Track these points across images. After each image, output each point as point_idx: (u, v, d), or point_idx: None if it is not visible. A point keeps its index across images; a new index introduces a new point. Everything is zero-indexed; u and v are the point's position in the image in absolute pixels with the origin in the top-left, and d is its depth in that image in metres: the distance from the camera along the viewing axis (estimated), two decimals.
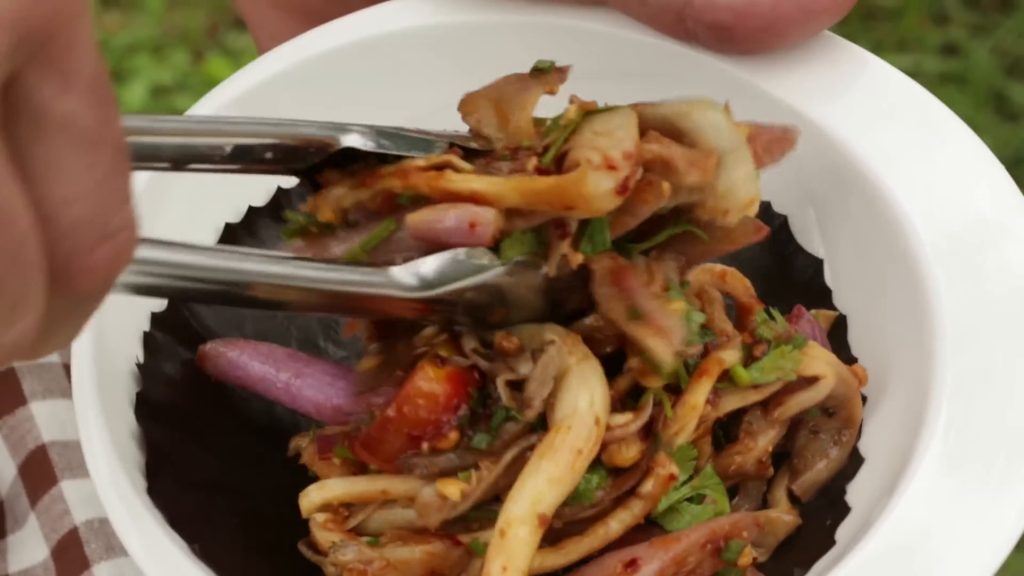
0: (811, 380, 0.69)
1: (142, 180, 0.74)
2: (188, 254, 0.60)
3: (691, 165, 0.65)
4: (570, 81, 0.69)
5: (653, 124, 0.66)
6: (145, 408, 0.71)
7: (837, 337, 0.74)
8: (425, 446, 0.65)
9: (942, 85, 1.56)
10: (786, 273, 0.75)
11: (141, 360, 0.72)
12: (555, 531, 0.66)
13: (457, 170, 0.65)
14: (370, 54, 0.78)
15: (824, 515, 0.69)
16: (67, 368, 0.80)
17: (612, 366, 0.67)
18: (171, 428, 0.71)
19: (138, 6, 1.93)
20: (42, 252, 0.45)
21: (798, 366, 0.68)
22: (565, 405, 0.65)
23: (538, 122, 0.68)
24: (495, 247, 0.64)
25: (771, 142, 0.68)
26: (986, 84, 1.59)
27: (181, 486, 0.69)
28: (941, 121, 0.74)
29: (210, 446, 0.72)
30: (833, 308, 0.75)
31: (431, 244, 0.64)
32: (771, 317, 0.70)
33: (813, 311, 0.74)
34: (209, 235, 0.77)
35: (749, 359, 0.68)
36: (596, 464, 0.66)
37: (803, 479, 0.71)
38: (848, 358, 0.73)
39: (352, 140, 0.67)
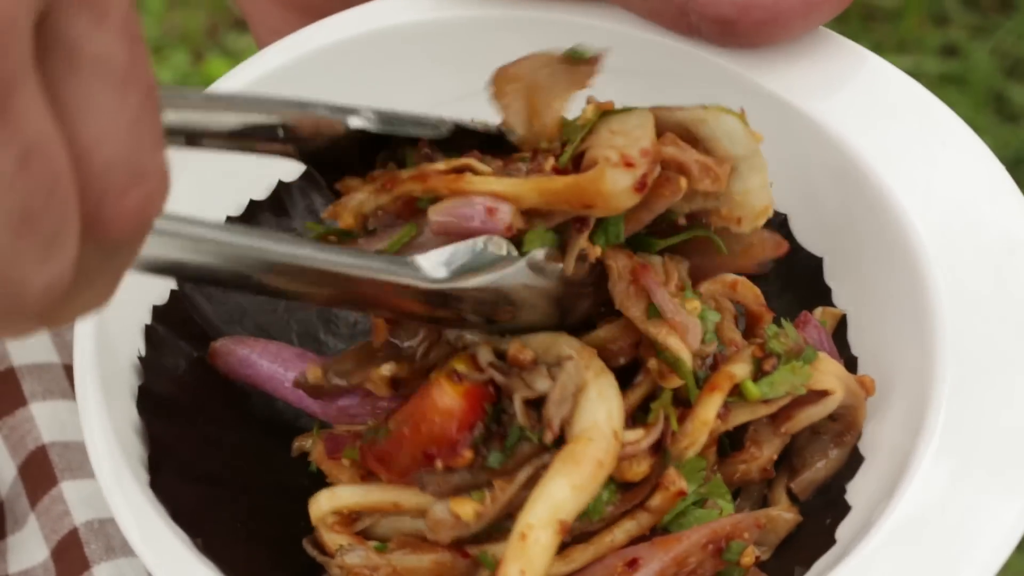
0: (820, 394, 0.69)
1: None
2: (211, 230, 0.58)
3: (705, 171, 0.65)
4: None
5: (669, 127, 0.66)
6: (147, 402, 0.71)
7: (837, 336, 0.74)
8: (439, 464, 0.65)
9: (942, 86, 1.57)
10: (786, 271, 0.75)
11: (143, 354, 0.72)
12: (562, 543, 0.66)
13: (476, 172, 0.65)
14: (370, 49, 0.78)
15: (824, 514, 0.69)
16: (67, 369, 0.79)
17: (621, 381, 0.67)
18: (173, 422, 0.71)
19: (138, 6, 1.93)
20: (76, 190, 0.45)
21: (808, 381, 0.68)
22: (584, 419, 0.65)
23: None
24: (516, 243, 0.65)
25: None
26: (986, 85, 1.59)
27: (183, 480, 0.69)
28: (941, 120, 0.74)
29: (212, 440, 0.72)
30: (833, 306, 0.75)
31: (451, 236, 0.65)
32: (781, 327, 0.70)
33: (819, 309, 0.74)
34: None
35: (759, 373, 0.69)
36: (607, 479, 0.66)
37: (802, 478, 0.71)
38: (848, 357, 0.73)
39: (358, 122, 0.67)
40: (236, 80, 0.77)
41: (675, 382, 0.66)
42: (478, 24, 0.78)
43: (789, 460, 0.71)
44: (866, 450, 0.70)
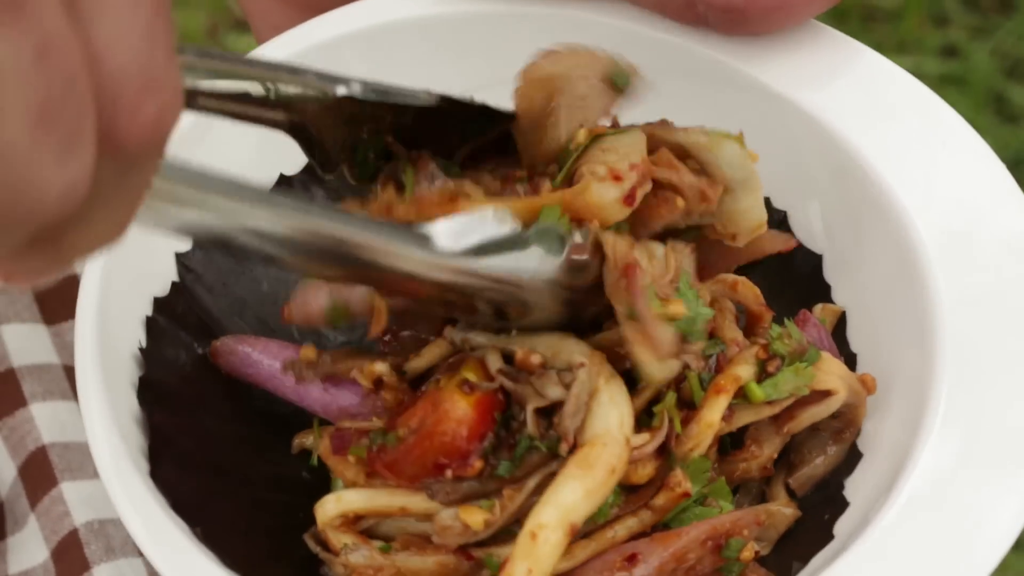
0: (823, 394, 0.69)
1: None
2: (214, 184, 0.57)
3: (700, 197, 0.67)
4: None
5: (669, 147, 0.67)
6: (147, 392, 0.71)
7: (837, 333, 0.74)
8: (449, 473, 0.66)
9: (942, 87, 1.57)
10: (786, 268, 0.75)
11: (144, 345, 0.72)
12: None
13: (470, 197, 0.66)
14: (370, 44, 0.78)
15: (823, 510, 0.69)
16: (67, 369, 0.79)
17: (627, 384, 0.67)
18: (173, 412, 0.71)
19: None
20: (92, 92, 0.45)
21: (811, 381, 0.68)
22: (597, 424, 0.65)
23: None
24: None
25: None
26: (986, 86, 1.59)
27: (183, 470, 0.69)
28: (942, 118, 0.74)
29: (212, 431, 0.73)
30: (832, 303, 0.75)
31: None
32: (782, 326, 0.70)
33: (819, 306, 0.75)
34: None
35: (763, 374, 0.69)
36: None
37: (800, 474, 0.71)
38: (847, 354, 0.73)
39: (345, 90, 0.67)
40: None
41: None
42: (480, 19, 0.78)
43: (787, 456, 0.71)
44: (865, 446, 0.71)
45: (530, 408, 0.65)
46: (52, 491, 0.74)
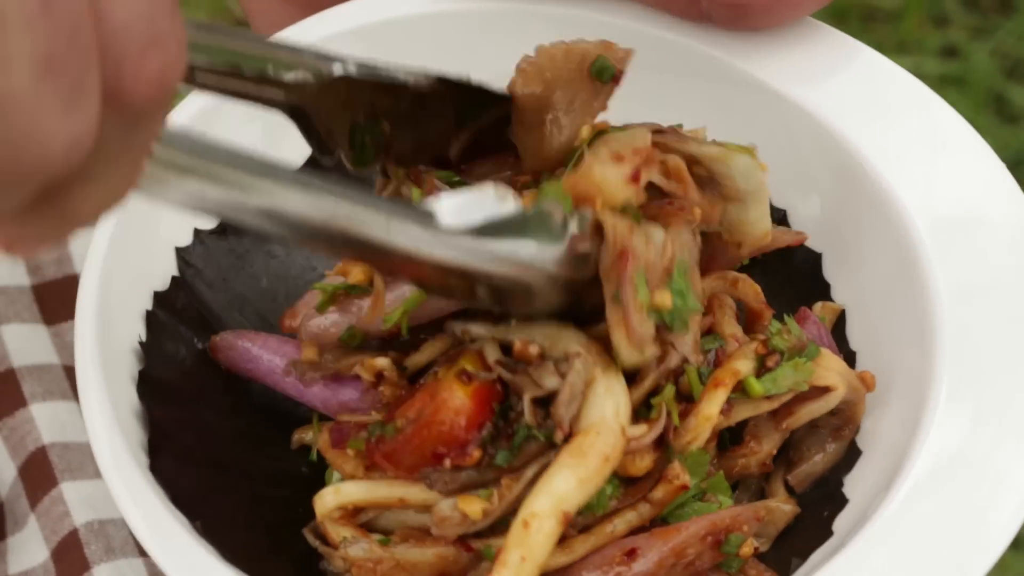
0: (822, 390, 0.69)
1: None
2: (216, 153, 0.56)
3: (704, 212, 0.68)
4: None
5: (683, 158, 0.68)
6: (147, 386, 0.71)
7: (836, 331, 0.74)
8: (447, 463, 0.66)
9: (942, 87, 1.57)
10: (786, 267, 0.75)
11: (143, 339, 0.72)
12: (563, 534, 0.66)
13: None
14: (369, 41, 0.78)
15: (822, 506, 0.69)
16: (67, 370, 0.79)
17: (626, 376, 0.67)
18: (173, 406, 0.71)
19: None
20: (97, 41, 0.45)
21: (810, 377, 0.69)
22: (592, 413, 0.65)
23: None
24: None
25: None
26: (986, 86, 1.59)
27: (182, 464, 0.69)
28: (941, 116, 0.74)
29: (211, 426, 0.73)
30: (832, 301, 0.75)
31: None
32: (783, 323, 0.70)
33: (818, 304, 0.75)
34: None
35: (762, 369, 0.69)
36: (610, 474, 0.66)
37: (799, 471, 0.71)
38: (847, 352, 0.73)
39: (340, 69, 0.67)
40: None
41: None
42: (479, 16, 0.78)
43: (786, 453, 0.71)
44: (864, 444, 0.71)
45: (527, 398, 0.65)
46: (52, 491, 0.74)
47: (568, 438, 0.65)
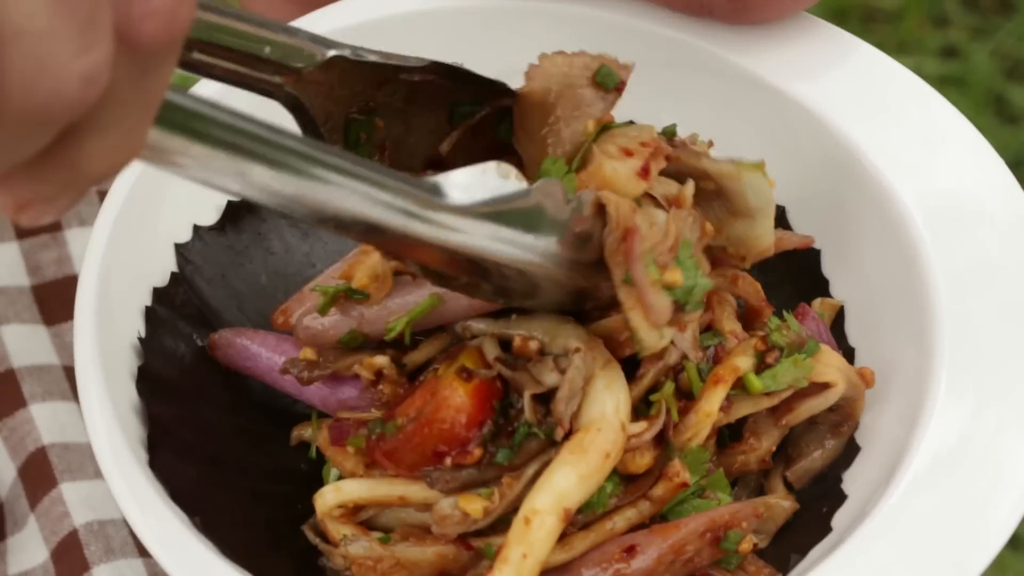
0: (822, 386, 0.69)
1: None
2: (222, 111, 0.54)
3: (711, 232, 0.68)
4: None
5: (695, 174, 0.68)
6: (146, 382, 0.71)
7: (835, 327, 0.74)
8: (448, 461, 0.66)
9: (942, 87, 1.56)
10: (785, 263, 0.75)
11: (143, 335, 0.72)
12: (563, 531, 0.66)
13: None
14: (369, 38, 0.77)
15: (821, 503, 0.70)
16: (67, 370, 0.79)
17: (626, 372, 0.67)
18: (172, 402, 0.71)
19: None
20: None
21: (810, 373, 0.69)
22: (592, 410, 0.65)
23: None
24: None
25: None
26: (986, 87, 1.59)
27: (182, 460, 0.69)
28: (937, 111, 0.74)
29: (210, 422, 0.73)
30: (831, 297, 0.75)
31: None
32: (782, 319, 0.70)
33: (817, 300, 0.75)
34: (211, 214, 0.77)
35: (762, 365, 0.69)
36: (611, 472, 0.66)
37: (797, 467, 0.71)
38: (846, 348, 0.73)
39: (335, 52, 0.67)
40: None
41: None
42: (479, 14, 0.78)
43: (785, 449, 0.71)
44: (863, 440, 0.71)
45: (527, 395, 0.65)
46: (52, 492, 0.74)
47: (568, 435, 0.65)
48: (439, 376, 0.67)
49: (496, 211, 0.60)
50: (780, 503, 0.69)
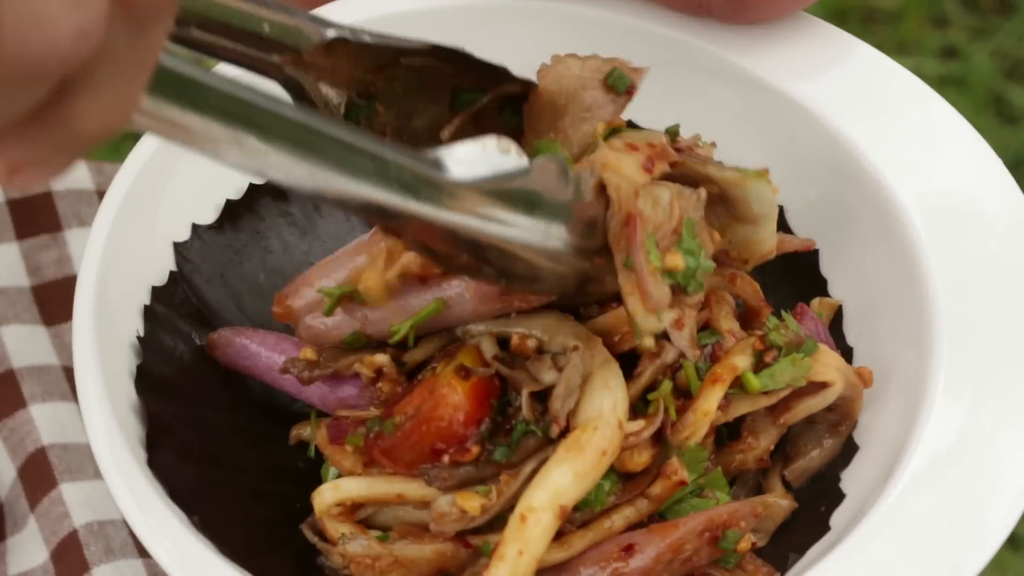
0: (820, 386, 0.69)
1: (147, 158, 0.75)
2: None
3: (717, 241, 0.69)
4: None
5: (700, 180, 0.68)
6: (145, 381, 0.71)
7: (833, 326, 0.74)
8: (446, 459, 0.66)
9: (942, 88, 1.57)
10: (783, 262, 0.75)
11: (141, 334, 0.73)
12: (560, 530, 0.66)
13: None
14: None
15: (819, 502, 0.70)
16: (67, 371, 0.80)
17: (624, 370, 0.67)
18: (171, 401, 0.71)
19: None
20: None
21: (808, 373, 0.69)
22: (589, 408, 0.65)
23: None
24: None
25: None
26: (986, 87, 1.59)
27: (180, 459, 0.70)
28: (935, 110, 0.75)
29: (209, 421, 0.73)
30: (829, 297, 0.75)
31: None
32: (780, 319, 0.70)
33: (815, 300, 0.75)
34: (210, 212, 0.77)
35: (760, 365, 0.69)
36: (608, 470, 0.66)
37: (795, 466, 0.71)
38: (844, 347, 0.74)
39: (334, 32, 0.67)
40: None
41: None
42: (479, 12, 0.78)
43: (783, 448, 0.71)
44: (861, 439, 0.71)
45: (525, 392, 0.65)
46: (52, 492, 0.74)
47: (564, 432, 0.65)
48: (437, 374, 0.67)
49: (496, 188, 0.59)
50: (778, 502, 0.70)
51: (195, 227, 0.76)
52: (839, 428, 0.71)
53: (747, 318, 0.73)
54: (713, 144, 0.72)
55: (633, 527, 0.67)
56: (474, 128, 0.70)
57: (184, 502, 0.67)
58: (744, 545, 0.66)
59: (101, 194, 0.85)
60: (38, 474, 0.75)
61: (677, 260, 0.64)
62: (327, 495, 0.69)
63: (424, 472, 0.66)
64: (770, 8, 0.75)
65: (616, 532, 0.67)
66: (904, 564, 0.63)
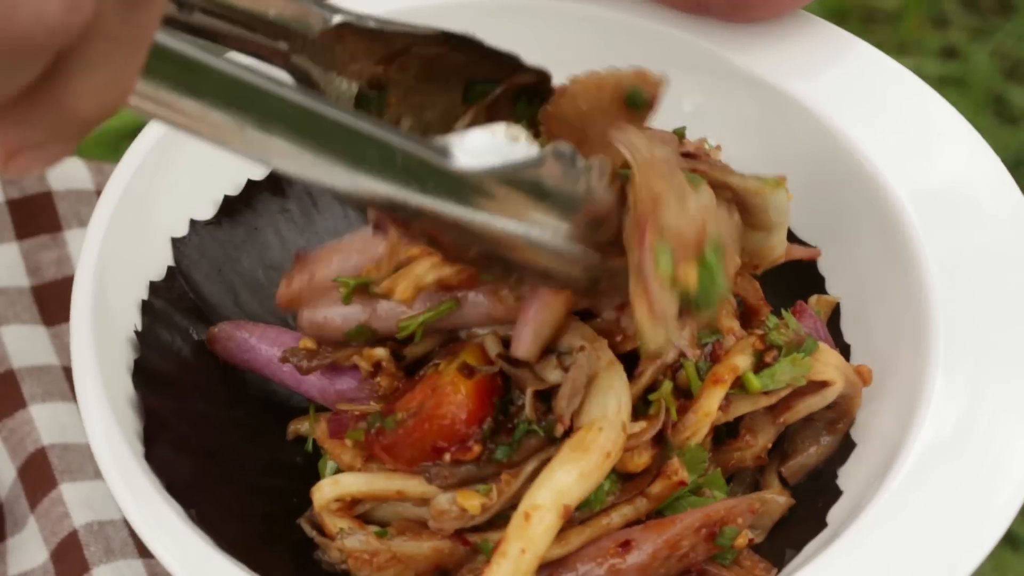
0: (820, 384, 0.69)
1: (145, 154, 0.75)
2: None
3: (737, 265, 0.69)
4: (566, 69, 0.69)
5: (719, 187, 0.68)
6: (143, 375, 0.71)
7: (831, 324, 0.74)
8: (447, 457, 0.66)
9: (942, 88, 1.56)
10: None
11: (139, 328, 0.73)
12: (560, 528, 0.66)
13: None
14: None
15: (816, 498, 0.70)
16: (67, 371, 0.80)
17: (626, 369, 0.67)
18: (168, 396, 0.72)
19: None
20: None
21: (808, 372, 0.69)
22: (594, 409, 0.66)
23: None
24: None
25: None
26: (986, 87, 1.59)
27: (177, 453, 0.70)
28: (933, 109, 0.75)
29: (206, 415, 0.73)
30: (827, 294, 0.75)
31: None
32: (780, 318, 0.70)
33: (814, 297, 0.75)
34: (209, 208, 0.77)
35: (760, 364, 0.69)
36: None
37: (792, 463, 0.71)
38: (841, 345, 0.74)
39: (340, 18, 0.66)
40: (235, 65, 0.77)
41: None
42: (480, 11, 0.78)
43: (781, 445, 0.71)
44: (858, 436, 0.71)
45: (529, 391, 0.65)
46: (52, 492, 0.75)
47: (568, 432, 0.65)
48: (440, 372, 0.67)
49: (505, 177, 0.58)
50: (775, 499, 0.70)
51: (193, 223, 0.77)
52: (837, 426, 0.71)
53: (746, 316, 0.73)
54: (719, 147, 0.72)
55: (631, 524, 0.67)
56: (488, 120, 0.70)
57: (181, 496, 0.67)
58: (741, 541, 0.67)
59: (101, 194, 0.85)
60: (38, 474, 0.76)
61: (690, 274, 0.61)
62: (327, 490, 0.69)
63: (425, 470, 0.66)
64: (768, 7, 0.75)
65: (613, 529, 0.67)
66: (901, 559, 0.64)
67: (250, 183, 0.78)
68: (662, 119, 0.72)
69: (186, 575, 0.64)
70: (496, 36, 0.73)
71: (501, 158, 0.58)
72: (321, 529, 0.70)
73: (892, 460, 0.66)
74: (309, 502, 0.70)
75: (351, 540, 0.67)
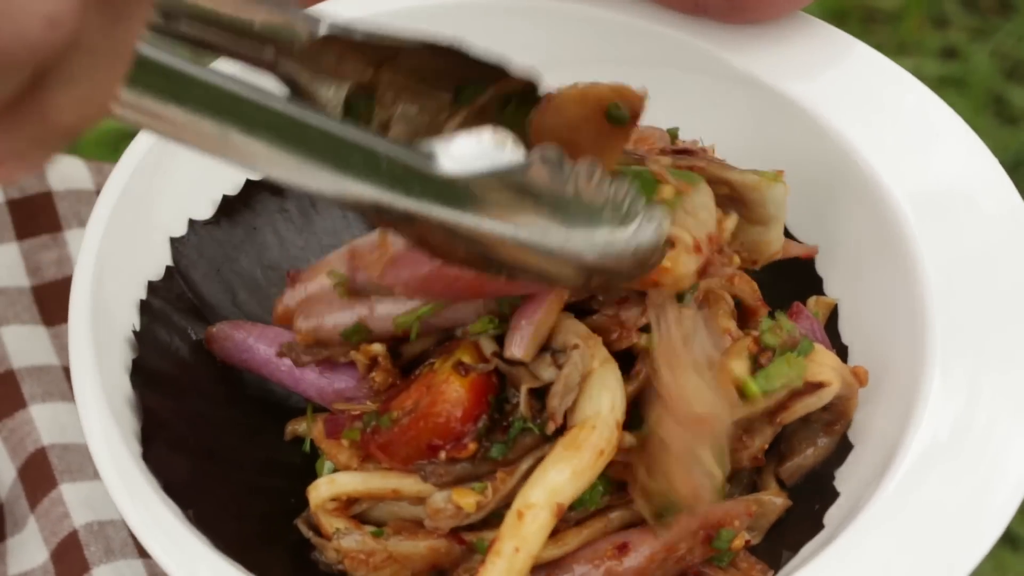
0: (816, 385, 0.69)
1: (144, 154, 0.75)
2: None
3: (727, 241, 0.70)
4: (564, 69, 0.69)
5: (716, 183, 0.68)
6: (141, 375, 0.71)
7: (828, 325, 0.74)
8: (443, 455, 0.66)
9: (942, 88, 1.56)
10: (779, 262, 0.75)
11: (137, 328, 0.73)
12: (555, 528, 0.66)
13: None
14: None
15: (813, 500, 0.70)
16: (67, 371, 0.80)
17: (621, 367, 0.67)
18: (166, 395, 0.72)
19: None
20: None
21: (804, 373, 0.69)
22: (588, 407, 0.65)
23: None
24: None
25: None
26: (986, 87, 1.59)
27: (175, 453, 0.70)
28: (931, 110, 0.75)
29: (205, 415, 0.73)
30: (824, 296, 0.75)
31: None
32: (774, 319, 0.70)
33: (812, 299, 0.75)
34: (207, 207, 0.77)
35: (755, 366, 0.69)
36: (603, 473, 0.66)
37: (789, 464, 0.71)
38: (839, 346, 0.74)
39: (325, 29, 0.66)
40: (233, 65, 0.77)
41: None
42: (476, 10, 0.78)
43: (777, 446, 0.71)
44: (855, 437, 0.71)
45: (523, 389, 0.65)
46: (52, 492, 0.75)
47: (561, 430, 0.65)
48: (435, 370, 0.67)
49: (491, 183, 0.58)
50: (772, 500, 0.70)
51: (191, 222, 0.77)
52: (834, 427, 0.71)
53: (744, 317, 0.73)
54: (712, 148, 0.72)
55: (628, 526, 0.67)
56: (477, 124, 0.70)
57: (178, 496, 0.67)
58: (738, 543, 0.67)
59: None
60: (38, 474, 0.76)
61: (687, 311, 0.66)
62: (323, 489, 0.69)
63: (420, 468, 0.66)
64: (767, 8, 0.75)
65: (610, 531, 0.67)
66: (899, 560, 0.64)
67: (249, 183, 0.78)
68: (661, 119, 0.72)
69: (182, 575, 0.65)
70: (495, 36, 0.73)
71: (488, 163, 0.58)
72: (318, 529, 0.70)
73: (889, 461, 0.66)
74: (307, 502, 0.70)
75: (347, 540, 0.68)
